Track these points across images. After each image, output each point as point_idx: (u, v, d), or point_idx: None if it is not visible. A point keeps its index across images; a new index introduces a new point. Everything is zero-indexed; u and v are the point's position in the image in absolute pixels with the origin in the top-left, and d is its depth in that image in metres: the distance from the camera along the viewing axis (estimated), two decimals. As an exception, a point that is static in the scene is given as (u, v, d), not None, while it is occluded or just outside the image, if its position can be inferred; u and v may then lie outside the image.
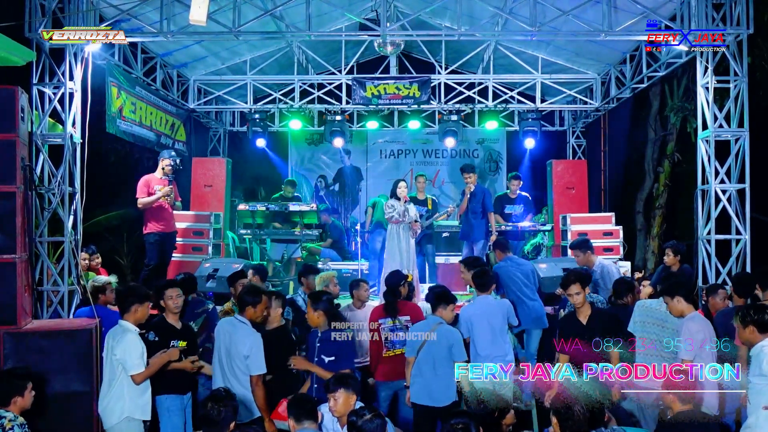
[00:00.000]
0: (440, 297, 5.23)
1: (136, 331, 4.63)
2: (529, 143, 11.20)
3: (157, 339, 4.83)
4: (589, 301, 5.40)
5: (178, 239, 8.26)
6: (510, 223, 9.03)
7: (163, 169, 7.65)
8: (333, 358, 4.68)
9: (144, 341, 4.65)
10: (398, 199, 7.71)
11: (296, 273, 8.61)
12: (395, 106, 10.84)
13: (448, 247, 9.28)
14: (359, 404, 4.01)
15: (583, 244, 6.94)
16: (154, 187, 7.53)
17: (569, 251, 7.49)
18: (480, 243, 8.15)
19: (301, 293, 6.26)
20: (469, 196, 8.22)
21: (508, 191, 9.51)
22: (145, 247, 7.72)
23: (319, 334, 4.90)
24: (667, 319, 5.04)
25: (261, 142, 11.04)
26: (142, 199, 7.48)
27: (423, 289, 7.64)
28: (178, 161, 7.79)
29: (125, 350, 4.49)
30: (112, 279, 6.36)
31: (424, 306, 6.24)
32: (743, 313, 4.18)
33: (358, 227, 9.54)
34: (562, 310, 6.32)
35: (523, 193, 9.53)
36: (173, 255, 8.27)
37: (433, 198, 9.39)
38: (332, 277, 6.16)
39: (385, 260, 7.83)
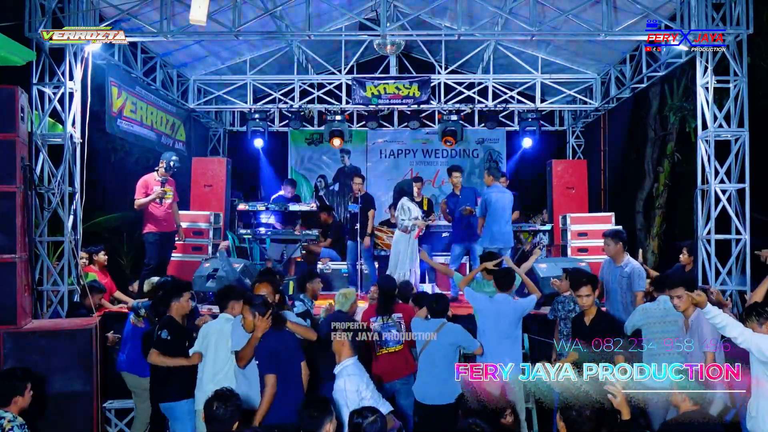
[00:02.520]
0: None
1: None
2: (529, 143, 11.22)
3: (169, 338, 5.02)
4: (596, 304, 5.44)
5: (178, 239, 8.27)
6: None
7: (156, 170, 7.68)
8: (257, 361, 4.65)
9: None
10: (413, 200, 7.65)
11: (296, 273, 8.63)
12: (395, 106, 10.83)
13: (448, 247, 9.27)
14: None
15: (617, 234, 6.55)
16: (153, 188, 7.55)
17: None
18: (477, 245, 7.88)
19: (305, 298, 6.12)
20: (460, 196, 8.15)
21: None
22: (144, 247, 7.73)
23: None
24: (667, 315, 5.08)
25: (258, 143, 11.07)
26: (139, 200, 7.51)
27: (422, 288, 7.66)
28: (170, 163, 7.74)
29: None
30: (155, 280, 6.41)
31: None
32: (758, 312, 4.28)
33: (357, 227, 9.51)
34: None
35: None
36: (173, 254, 8.28)
37: (429, 198, 9.44)
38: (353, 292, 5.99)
39: (391, 264, 7.82)
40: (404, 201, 7.80)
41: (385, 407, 4.36)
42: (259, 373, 4.56)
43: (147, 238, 7.60)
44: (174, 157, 7.77)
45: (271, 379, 4.48)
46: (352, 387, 4.38)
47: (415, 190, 7.77)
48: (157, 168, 7.69)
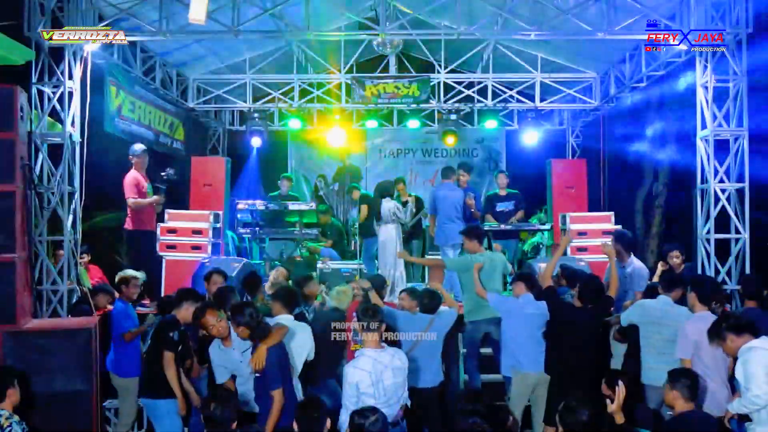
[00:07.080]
0: None
1: None
2: (529, 142, 11.22)
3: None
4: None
5: (177, 238, 8.28)
6: (503, 223, 8.95)
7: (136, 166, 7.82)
8: (257, 374, 4.43)
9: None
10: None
11: (295, 273, 8.62)
12: (394, 106, 10.83)
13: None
14: None
15: (617, 235, 6.86)
16: (143, 185, 7.62)
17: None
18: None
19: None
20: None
21: (497, 189, 9.48)
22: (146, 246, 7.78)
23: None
24: (664, 317, 5.10)
25: (256, 142, 11.10)
26: (139, 201, 7.53)
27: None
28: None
29: None
30: (139, 275, 6.42)
31: None
32: (716, 329, 4.35)
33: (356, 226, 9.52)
34: None
35: (513, 190, 9.49)
36: (172, 254, 8.29)
37: (418, 196, 9.47)
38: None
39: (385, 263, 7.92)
40: (382, 202, 7.94)
41: (390, 409, 4.24)
42: (259, 387, 4.40)
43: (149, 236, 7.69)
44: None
45: (278, 394, 4.30)
46: (352, 380, 4.19)
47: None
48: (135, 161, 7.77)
